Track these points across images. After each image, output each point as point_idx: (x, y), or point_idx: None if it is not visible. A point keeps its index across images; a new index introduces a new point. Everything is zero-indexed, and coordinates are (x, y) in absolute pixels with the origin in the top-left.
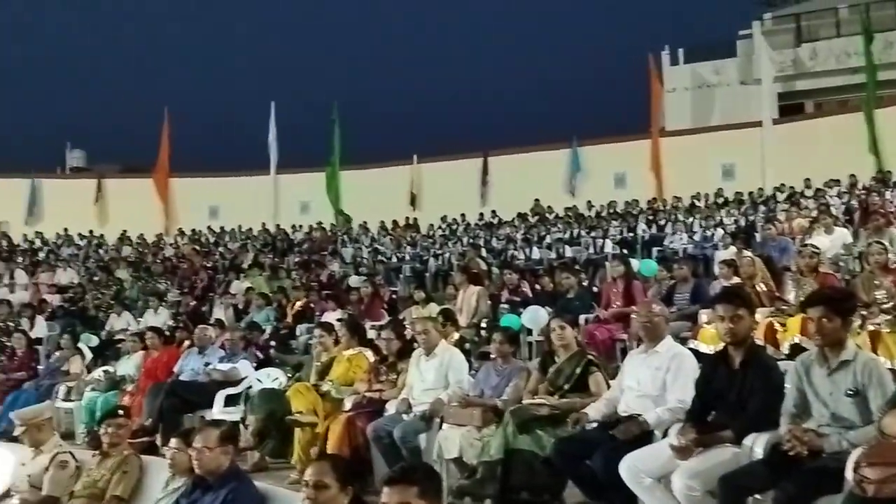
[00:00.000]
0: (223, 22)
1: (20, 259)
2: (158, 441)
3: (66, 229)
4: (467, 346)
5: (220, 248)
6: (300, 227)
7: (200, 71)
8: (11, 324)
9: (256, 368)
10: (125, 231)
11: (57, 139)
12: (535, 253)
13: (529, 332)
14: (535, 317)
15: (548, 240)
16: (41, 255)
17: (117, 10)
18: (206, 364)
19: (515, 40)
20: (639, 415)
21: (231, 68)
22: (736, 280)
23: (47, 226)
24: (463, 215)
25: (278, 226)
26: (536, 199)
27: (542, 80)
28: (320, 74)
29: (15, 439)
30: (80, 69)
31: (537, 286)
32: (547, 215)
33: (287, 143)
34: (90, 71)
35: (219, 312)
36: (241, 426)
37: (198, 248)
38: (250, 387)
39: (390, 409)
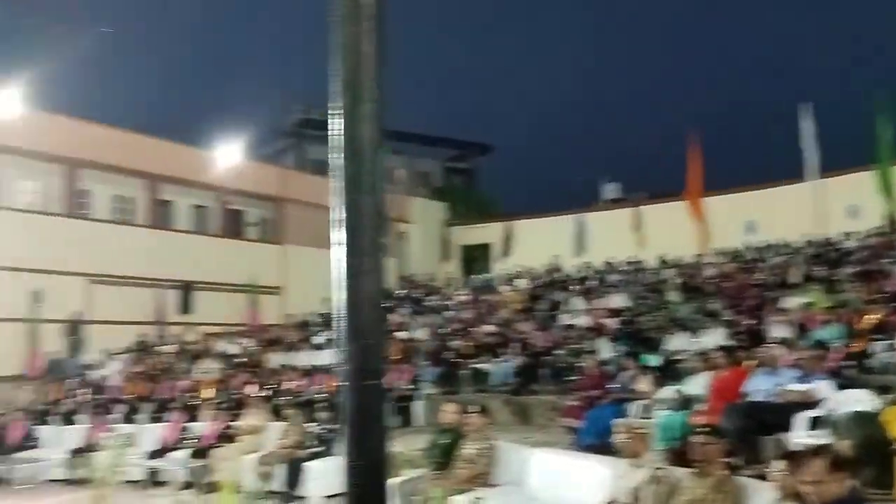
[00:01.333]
0: (735, 41)
1: (573, 287)
2: (737, 462)
3: (609, 257)
4: None
5: (762, 264)
6: (849, 234)
7: (724, 89)
8: (578, 346)
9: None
10: (663, 254)
11: (592, 176)
12: None
13: None
14: None
15: None
16: (590, 282)
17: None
18: (778, 384)
19: None
20: None
21: (751, 80)
22: None
23: (593, 255)
24: None
25: (825, 235)
26: None
27: None
28: (854, 65)
29: (602, 452)
30: (607, 114)
31: None
32: None
33: (824, 145)
34: (615, 114)
35: (774, 330)
36: None
37: (741, 265)
38: (833, 409)
39: None
